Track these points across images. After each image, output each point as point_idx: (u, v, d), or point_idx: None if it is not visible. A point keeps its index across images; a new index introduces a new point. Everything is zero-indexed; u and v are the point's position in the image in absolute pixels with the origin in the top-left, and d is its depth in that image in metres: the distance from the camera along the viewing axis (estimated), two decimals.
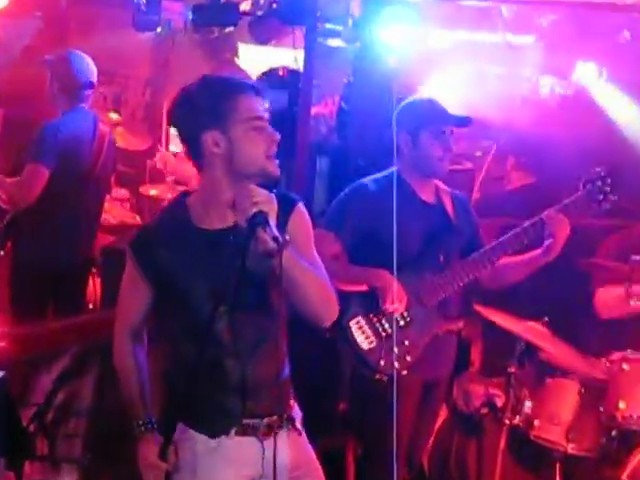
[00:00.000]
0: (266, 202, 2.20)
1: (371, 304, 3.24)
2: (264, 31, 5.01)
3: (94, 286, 4.67)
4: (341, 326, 3.23)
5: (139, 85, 7.00)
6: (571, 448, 3.73)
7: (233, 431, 2.41)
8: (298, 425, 2.50)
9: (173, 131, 5.27)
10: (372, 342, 3.26)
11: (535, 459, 3.87)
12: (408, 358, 3.25)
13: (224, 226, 2.35)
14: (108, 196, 5.09)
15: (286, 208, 2.35)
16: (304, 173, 4.47)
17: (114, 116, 6.16)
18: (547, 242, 3.28)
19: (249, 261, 2.23)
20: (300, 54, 4.57)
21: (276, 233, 2.14)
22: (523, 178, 5.27)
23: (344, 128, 4.78)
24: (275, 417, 2.44)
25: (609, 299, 4.03)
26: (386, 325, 3.25)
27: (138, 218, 5.76)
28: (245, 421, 2.41)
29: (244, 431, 2.41)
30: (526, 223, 3.32)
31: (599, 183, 3.33)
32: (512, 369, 3.68)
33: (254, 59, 6.34)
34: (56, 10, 6.48)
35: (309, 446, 2.55)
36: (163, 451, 2.39)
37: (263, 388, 2.40)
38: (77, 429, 3.52)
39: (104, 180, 4.49)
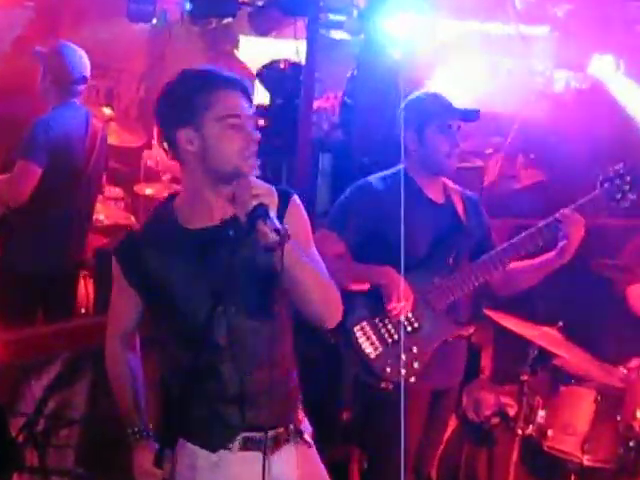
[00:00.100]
0: (266, 194, 2.20)
1: (376, 306, 3.23)
2: (264, 22, 5.01)
3: (86, 290, 4.67)
4: (345, 330, 3.23)
5: (133, 79, 7.00)
6: (587, 459, 3.72)
7: (236, 446, 2.38)
8: (307, 437, 2.48)
9: None
10: (377, 348, 3.25)
11: (549, 471, 3.86)
12: (416, 365, 3.25)
13: (211, 224, 2.35)
14: (101, 196, 5.09)
15: (281, 202, 2.34)
16: (306, 171, 4.47)
17: (107, 111, 6.18)
18: (561, 243, 3.27)
19: (248, 257, 2.24)
20: (302, 46, 4.57)
21: (278, 225, 2.14)
22: (534, 176, 5.27)
23: (348, 124, 4.78)
24: (281, 429, 2.42)
25: None
26: (392, 330, 3.25)
27: (133, 218, 5.75)
28: (247, 434, 2.38)
29: (247, 445, 2.38)
30: (541, 223, 3.32)
31: (618, 181, 3.32)
32: (525, 376, 3.67)
33: (254, 51, 6.34)
34: (48, 0, 6.49)
35: (319, 461, 2.53)
36: (158, 459, 2.39)
37: (264, 397, 2.35)
38: (69, 439, 3.52)
39: (96, 179, 4.49)
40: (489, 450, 3.93)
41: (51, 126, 4.15)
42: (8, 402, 3.39)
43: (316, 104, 4.73)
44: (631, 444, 3.68)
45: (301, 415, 2.51)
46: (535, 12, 5.60)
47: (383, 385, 3.25)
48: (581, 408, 3.80)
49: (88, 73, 4.29)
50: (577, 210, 3.29)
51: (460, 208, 3.40)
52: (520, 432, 3.71)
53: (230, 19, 4.96)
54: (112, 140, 5.39)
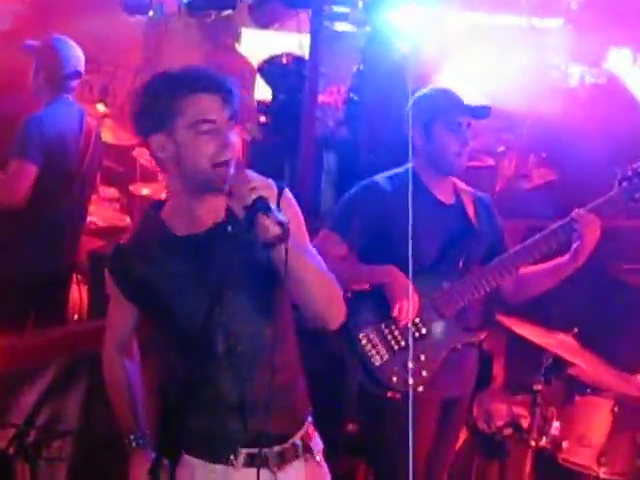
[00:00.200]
0: (265, 187, 2.17)
1: (382, 312, 3.22)
2: (265, 14, 5.02)
3: (80, 295, 4.67)
4: (349, 336, 3.22)
5: (129, 74, 7.00)
6: (603, 472, 3.72)
7: (240, 461, 2.37)
8: (317, 456, 2.47)
9: None
10: (383, 356, 3.24)
11: None
12: (424, 373, 3.24)
13: (203, 229, 2.35)
14: (95, 196, 5.09)
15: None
16: (309, 170, 4.47)
17: (101, 108, 6.17)
18: (575, 245, 3.26)
19: (247, 256, 2.23)
20: (305, 39, 4.57)
21: (281, 217, 2.13)
22: (546, 176, 5.26)
23: (353, 120, 4.78)
24: (288, 444, 2.41)
25: None
26: (399, 337, 3.24)
27: (128, 220, 5.75)
28: (251, 450, 2.36)
29: (252, 461, 2.36)
30: (556, 224, 3.31)
31: (637, 180, 3.30)
32: (538, 386, 3.66)
33: (256, 45, 6.35)
34: None
35: None
36: (155, 469, 2.40)
37: (267, 404, 2.31)
38: (61, 451, 3.51)
39: (90, 178, 4.49)
40: (501, 463, 3.91)
41: (44, 123, 4.14)
42: None
43: (319, 99, 4.73)
44: None
45: (311, 430, 2.50)
46: (548, 4, 5.59)
47: (390, 395, 3.24)
48: (597, 419, 3.79)
49: (82, 68, 4.29)
50: (593, 210, 3.27)
51: (471, 209, 3.39)
52: (533, 444, 3.71)
53: (230, 11, 4.97)
54: (106, 138, 5.40)
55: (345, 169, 4.71)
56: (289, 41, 5.03)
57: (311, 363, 2.59)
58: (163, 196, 5.35)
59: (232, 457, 2.37)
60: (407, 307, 3.14)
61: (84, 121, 4.33)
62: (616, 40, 5.57)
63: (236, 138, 2.31)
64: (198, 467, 2.39)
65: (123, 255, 2.43)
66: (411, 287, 3.08)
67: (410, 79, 3.85)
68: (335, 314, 2.36)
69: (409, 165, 3.28)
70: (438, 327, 3.27)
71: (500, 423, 3.98)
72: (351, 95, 4.77)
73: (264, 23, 5.31)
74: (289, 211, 2.30)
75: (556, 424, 3.78)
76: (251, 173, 2.22)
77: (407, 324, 3.17)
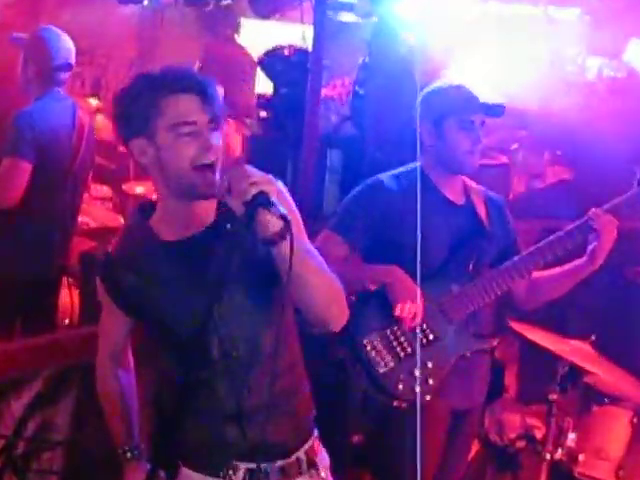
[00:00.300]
0: (265, 182, 2.16)
1: (387, 317, 3.21)
2: (266, 3, 5.02)
3: (71, 299, 4.67)
4: (352, 343, 3.23)
5: (122, 66, 7.02)
6: None
7: (239, 477, 2.37)
8: (323, 472, 2.47)
9: None
10: (388, 363, 3.24)
11: None
12: (431, 382, 3.23)
13: (195, 232, 2.36)
14: (87, 195, 5.10)
15: None
16: (312, 168, 4.47)
17: (93, 102, 6.18)
18: (591, 247, 3.26)
19: (245, 255, 2.24)
20: (308, 30, 4.57)
21: (283, 211, 2.13)
22: (561, 173, 5.26)
23: (359, 116, 4.78)
24: (292, 459, 2.41)
25: None
26: (405, 343, 3.24)
27: (121, 219, 5.76)
28: (250, 465, 2.37)
29: (252, 476, 2.37)
30: (572, 225, 3.31)
31: None
32: (553, 395, 3.65)
33: (256, 36, 6.36)
34: None
35: None
36: None
37: (267, 412, 2.32)
38: (51, 463, 3.52)
39: (83, 176, 4.50)
40: (514, 476, 3.91)
41: (35, 119, 4.14)
42: None
43: (322, 93, 4.73)
44: None
45: (317, 444, 2.50)
46: None
47: (396, 404, 3.24)
48: (615, 430, 3.79)
49: (73, 60, 4.29)
50: (610, 211, 3.27)
51: (482, 210, 3.39)
52: (548, 457, 3.70)
53: (229, 0, 4.97)
54: (99, 134, 5.39)
55: (350, 167, 4.71)
56: (291, 32, 5.04)
57: (312, 368, 2.59)
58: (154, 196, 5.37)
59: (231, 472, 2.38)
60: (410, 307, 3.14)
61: (76, 115, 4.33)
62: (636, 31, 5.57)
63: (219, 142, 2.31)
64: (194, 477, 2.40)
65: (112, 264, 2.45)
66: (418, 290, 3.08)
67: (418, 72, 3.85)
68: (336, 314, 2.34)
69: (417, 163, 3.28)
70: (446, 333, 3.27)
71: (513, 435, 3.98)
72: (356, 88, 4.77)
73: (265, 13, 5.31)
74: (284, 206, 2.29)
75: (572, 436, 3.77)
76: (250, 168, 2.21)
77: (412, 328, 3.17)
